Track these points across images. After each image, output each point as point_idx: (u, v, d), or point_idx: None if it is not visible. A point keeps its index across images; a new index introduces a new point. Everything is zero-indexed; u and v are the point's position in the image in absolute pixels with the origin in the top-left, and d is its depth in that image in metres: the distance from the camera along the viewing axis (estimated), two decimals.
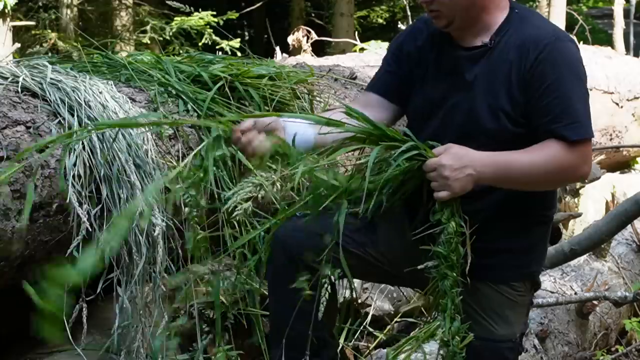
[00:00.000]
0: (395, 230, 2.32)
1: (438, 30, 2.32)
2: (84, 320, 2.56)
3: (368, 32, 12.63)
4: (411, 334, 2.33)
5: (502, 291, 2.32)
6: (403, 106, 2.42)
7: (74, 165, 2.55)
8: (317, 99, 3.46)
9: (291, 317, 2.24)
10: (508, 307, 2.33)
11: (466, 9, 2.23)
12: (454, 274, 2.13)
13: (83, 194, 2.54)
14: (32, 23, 10.02)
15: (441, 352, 2.18)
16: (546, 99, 2.18)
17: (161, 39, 10.20)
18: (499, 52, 2.24)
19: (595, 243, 3.61)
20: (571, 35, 2.34)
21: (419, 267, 2.15)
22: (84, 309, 2.56)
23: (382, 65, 2.48)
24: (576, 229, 4.62)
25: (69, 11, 10.31)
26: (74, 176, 2.54)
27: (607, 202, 4.57)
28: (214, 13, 9.87)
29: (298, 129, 2.19)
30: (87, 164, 2.58)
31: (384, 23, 14.04)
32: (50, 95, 2.67)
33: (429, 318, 2.31)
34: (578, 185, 4.69)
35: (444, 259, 2.12)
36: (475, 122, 2.23)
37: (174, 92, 3.04)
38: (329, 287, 2.25)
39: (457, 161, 2.10)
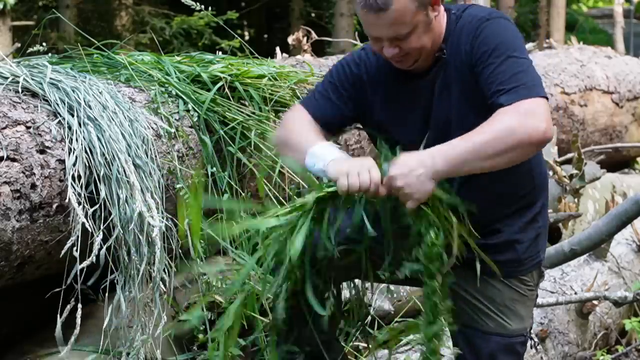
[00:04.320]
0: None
1: (388, 66, 2.29)
2: (78, 320, 2.55)
3: None
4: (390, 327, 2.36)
5: (513, 286, 2.35)
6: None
7: (74, 165, 2.55)
8: None
9: (294, 320, 2.25)
10: (519, 301, 2.36)
11: (432, 41, 2.23)
12: (434, 283, 2.12)
13: (82, 194, 2.55)
14: (32, 23, 10.03)
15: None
16: (486, 74, 2.15)
17: (161, 39, 10.20)
18: (449, 56, 2.24)
19: (595, 243, 3.61)
20: (504, 14, 2.32)
21: (400, 273, 2.15)
22: (78, 309, 2.56)
23: (327, 91, 2.38)
24: (576, 229, 4.61)
25: (69, 11, 10.32)
26: (73, 177, 2.54)
27: (607, 202, 4.57)
28: (214, 13, 9.86)
29: None
30: (87, 164, 2.58)
31: None
32: (50, 95, 2.67)
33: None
34: (578, 185, 4.69)
35: (426, 268, 2.11)
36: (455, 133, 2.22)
37: (174, 92, 3.05)
38: (334, 291, 2.26)
39: (403, 168, 2.08)
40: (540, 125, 2.06)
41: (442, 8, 2.25)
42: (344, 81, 2.35)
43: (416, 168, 2.08)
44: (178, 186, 2.87)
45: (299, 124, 2.34)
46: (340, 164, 2.12)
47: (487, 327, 2.32)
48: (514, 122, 2.06)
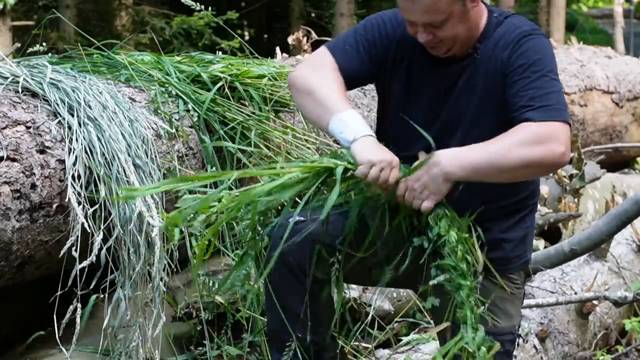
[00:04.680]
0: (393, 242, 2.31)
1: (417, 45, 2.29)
2: (77, 320, 2.55)
3: None
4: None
5: (501, 284, 2.34)
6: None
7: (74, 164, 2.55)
8: None
9: (290, 323, 2.25)
10: (508, 300, 2.36)
11: (468, 31, 2.24)
12: (468, 283, 2.11)
13: (82, 194, 2.55)
14: (32, 23, 10.03)
15: None
16: (519, 87, 2.17)
17: (161, 39, 10.19)
18: (482, 58, 2.26)
19: (595, 243, 3.61)
20: (542, 31, 2.33)
21: (430, 282, 2.13)
22: (78, 309, 2.56)
23: (358, 46, 2.32)
24: (576, 229, 4.61)
25: (69, 11, 10.32)
26: (73, 176, 2.54)
27: (607, 202, 4.57)
28: (214, 13, 9.86)
29: None
30: (87, 164, 2.58)
31: None
32: (50, 95, 2.67)
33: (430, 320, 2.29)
34: (578, 185, 4.68)
35: (454, 269, 2.10)
36: (468, 132, 2.25)
37: (174, 92, 3.04)
38: (325, 291, 2.25)
39: (421, 171, 2.11)
40: (558, 148, 2.10)
41: (482, 4, 2.26)
42: (377, 41, 2.32)
43: (430, 167, 2.11)
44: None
45: (329, 75, 2.27)
46: (369, 151, 2.11)
47: None
48: (534, 140, 2.09)
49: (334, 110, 2.18)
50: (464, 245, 2.13)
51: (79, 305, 2.56)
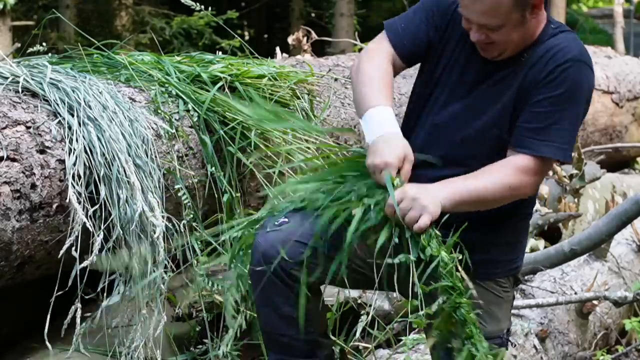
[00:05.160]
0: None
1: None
2: (77, 321, 2.55)
3: (368, 32, 12.63)
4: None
5: (488, 288, 2.33)
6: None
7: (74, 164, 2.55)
8: (317, 99, 3.46)
9: (279, 324, 2.25)
10: (495, 303, 2.35)
11: (522, 39, 2.22)
12: (465, 300, 2.09)
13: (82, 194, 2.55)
14: (32, 23, 10.02)
15: None
16: (538, 108, 2.18)
17: (161, 39, 10.19)
18: (527, 63, 2.24)
19: (595, 243, 3.61)
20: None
21: (431, 310, 2.08)
22: (78, 310, 2.56)
23: (415, 16, 2.35)
24: (576, 229, 4.61)
25: (69, 11, 10.32)
26: (74, 176, 2.54)
27: (607, 202, 4.57)
28: (214, 13, 9.87)
29: None
30: (87, 164, 2.58)
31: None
32: (50, 95, 2.67)
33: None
34: (578, 185, 4.68)
35: (452, 289, 2.07)
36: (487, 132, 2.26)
37: (174, 92, 3.04)
38: (313, 291, 2.24)
39: (416, 186, 2.10)
40: (538, 183, 2.24)
41: (544, 14, 2.23)
42: (435, 11, 2.33)
43: (428, 188, 2.10)
44: (177, 186, 2.87)
45: (377, 67, 2.29)
46: (380, 152, 2.11)
47: None
48: (523, 182, 2.18)
49: (366, 106, 2.20)
50: (454, 264, 2.09)
51: (79, 305, 2.56)
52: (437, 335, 2.11)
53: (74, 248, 2.48)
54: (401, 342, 3.05)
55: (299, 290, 2.17)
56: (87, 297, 2.57)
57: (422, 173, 2.21)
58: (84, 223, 2.50)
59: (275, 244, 2.20)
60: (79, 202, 2.52)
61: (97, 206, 2.56)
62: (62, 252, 2.48)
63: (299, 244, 2.17)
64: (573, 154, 4.70)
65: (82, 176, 2.56)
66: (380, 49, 2.34)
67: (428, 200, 2.07)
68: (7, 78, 2.69)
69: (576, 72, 2.19)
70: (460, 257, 2.10)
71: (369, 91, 2.23)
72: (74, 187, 2.52)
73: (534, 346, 3.26)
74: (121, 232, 2.59)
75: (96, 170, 2.59)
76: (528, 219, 2.45)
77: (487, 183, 2.15)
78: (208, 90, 3.08)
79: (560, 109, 2.18)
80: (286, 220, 2.21)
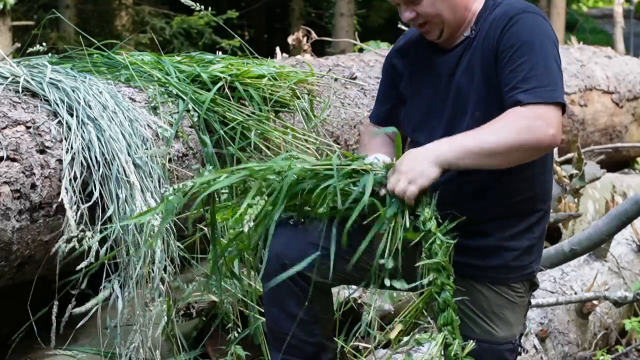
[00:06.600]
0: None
1: (420, 38, 2.39)
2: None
3: (368, 32, 12.63)
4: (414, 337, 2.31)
5: (501, 292, 2.31)
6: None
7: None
8: (317, 99, 3.46)
9: (287, 324, 2.25)
10: (508, 308, 2.32)
11: (452, 12, 2.27)
12: (451, 283, 2.09)
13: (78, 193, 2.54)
14: (32, 23, 10.02)
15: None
16: (510, 68, 2.17)
17: (161, 39, 10.19)
18: (478, 39, 2.27)
19: (595, 243, 3.61)
20: (542, 11, 2.36)
21: (418, 283, 2.10)
22: (78, 310, 2.56)
23: (380, 89, 2.56)
24: (576, 229, 4.61)
25: (69, 11, 10.32)
26: (73, 177, 2.54)
27: (607, 202, 4.57)
28: (214, 12, 9.87)
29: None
30: (87, 164, 2.58)
31: (384, 23, 14.04)
32: (50, 95, 2.67)
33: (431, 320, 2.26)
34: (578, 185, 4.68)
35: (443, 269, 2.07)
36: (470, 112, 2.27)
37: (174, 92, 3.04)
38: (323, 291, 2.25)
39: (408, 157, 2.11)
40: (548, 130, 2.09)
41: None
42: (389, 70, 2.50)
43: (420, 154, 2.10)
44: (176, 186, 2.86)
45: (365, 138, 2.58)
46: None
47: (473, 334, 2.24)
48: (524, 124, 2.08)
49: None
50: (448, 242, 2.09)
51: (75, 304, 2.56)
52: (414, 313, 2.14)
53: (69, 247, 2.47)
54: (401, 342, 3.05)
55: (310, 292, 2.18)
56: (81, 291, 2.56)
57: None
58: (83, 222, 2.49)
59: (288, 246, 2.21)
60: (73, 202, 2.51)
61: (90, 203, 2.55)
62: (52, 251, 2.47)
63: (311, 246, 2.16)
64: (573, 154, 4.71)
65: (80, 176, 2.55)
66: (365, 128, 2.63)
67: (417, 171, 2.07)
68: (7, 78, 2.70)
69: (525, 22, 2.21)
70: (456, 241, 2.10)
71: (366, 151, 2.45)
72: (74, 186, 2.52)
73: (534, 346, 3.26)
74: (120, 231, 2.59)
75: (95, 170, 2.59)
76: (544, 220, 2.37)
77: (491, 129, 2.10)
78: (208, 90, 3.08)
79: (528, 59, 2.16)
80: (299, 221, 2.21)
